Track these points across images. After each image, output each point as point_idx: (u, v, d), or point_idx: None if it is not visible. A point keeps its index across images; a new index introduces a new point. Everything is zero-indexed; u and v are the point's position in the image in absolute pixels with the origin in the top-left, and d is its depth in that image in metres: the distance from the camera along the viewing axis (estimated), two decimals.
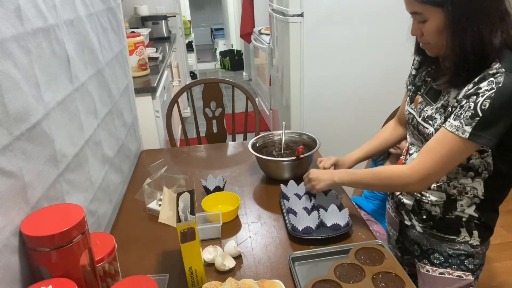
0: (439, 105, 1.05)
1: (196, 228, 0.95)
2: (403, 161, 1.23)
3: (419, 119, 1.10)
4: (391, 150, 1.66)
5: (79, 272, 0.79)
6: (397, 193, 1.24)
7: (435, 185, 1.11)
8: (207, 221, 1.22)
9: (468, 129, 0.93)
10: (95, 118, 1.27)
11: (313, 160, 1.58)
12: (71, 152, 1.04)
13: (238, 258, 1.12)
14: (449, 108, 1.01)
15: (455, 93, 1.01)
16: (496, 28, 0.93)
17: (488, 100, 0.90)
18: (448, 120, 0.98)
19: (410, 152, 1.19)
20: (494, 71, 0.92)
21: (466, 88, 0.97)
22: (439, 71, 1.07)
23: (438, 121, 1.03)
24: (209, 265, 1.09)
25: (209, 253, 1.11)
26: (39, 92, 0.88)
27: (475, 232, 1.10)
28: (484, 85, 0.92)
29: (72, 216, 0.79)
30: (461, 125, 0.94)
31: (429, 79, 1.13)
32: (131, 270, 1.06)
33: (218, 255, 1.08)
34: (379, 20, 2.31)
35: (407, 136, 1.25)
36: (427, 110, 1.09)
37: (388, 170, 1.12)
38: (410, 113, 1.17)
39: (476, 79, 0.95)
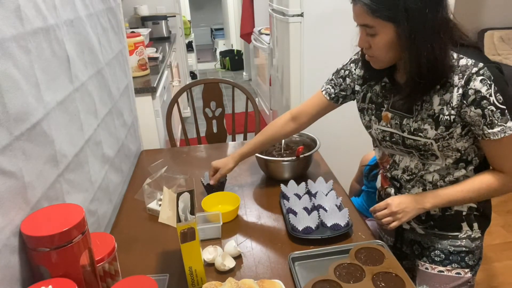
0: (424, 115, 1.04)
1: (196, 228, 0.95)
2: (385, 173, 1.21)
3: (405, 134, 1.08)
4: None
5: (79, 272, 0.79)
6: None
7: (431, 186, 1.11)
8: (207, 221, 1.22)
9: (510, 123, 0.96)
10: (95, 118, 1.27)
11: (313, 160, 1.58)
12: (71, 152, 1.04)
13: (238, 258, 1.12)
14: (445, 117, 1.00)
15: (437, 101, 1.01)
16: (447, 40, 0.95)
17: (498, 94, 0.94)
18: (484, 133, 0.98)
19: (396, 160, 1.17)
20: (476, 69, 0.95)
21: (456, 94, 0.97)
22: (395, 84, 1.09)
23: (430, 131, 1.03)
24: (209, 265, 1.09)
25: (209, 253, 1.11)
26: (39, 92, 0.88)
27: (475, 224, 1.11)
28: (479, 86, 0.94)
29: (72, 216, 0.79)
30: (503, 126, 0.96)
31: (388, 94, 1.12)
32: (131, 270, 1.06)
33: (218, 255, 1.08)
34: None
35: (379, 150, 1.23)
36: (409, 124, 1.06)
37: (477, 181, 1.05)
38: (383, 131, 1.14)
39: (462, 82, 0.96)
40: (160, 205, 1.33)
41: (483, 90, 0.94)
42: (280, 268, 1.08)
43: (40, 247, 0.75)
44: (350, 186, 2.00)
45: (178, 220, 0.96)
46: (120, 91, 1.62)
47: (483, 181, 1.04)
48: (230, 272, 1.07)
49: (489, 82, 0.94)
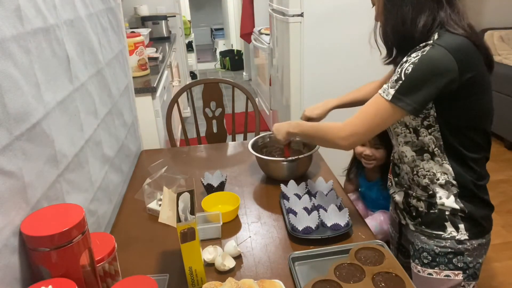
0: None
1: (196, 228, 0.95)
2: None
3: None
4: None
5: (79, 272, 0.79)
6: (391, 191, 1.25)
7: (408, 180, 1.14)
8: (207, 221, 1.22)
9: (392, 91, 0.99)
10: (95, 118, 1.27)
11: (313, 160, 1.58)
12: (71, 152, 1.04)
13: (238, 258, 1.12)
14: None
15: None
16: (422, 12, 1.00)
17: (412, 66, 0.97)
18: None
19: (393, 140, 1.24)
20: (425, 44, 0.99)
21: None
22: None
23: None
24: (209, 265, 1.09)
25: (209, 253, 1.11)
26: (39, 92, 0.88)
27: (461, 226, 1.08)
28: (413, 55, 0.99)
29: (72, 216, 0.79)
30: (387, 88, 1.00)
31: None
32: (131, 270, 1.06)
33: (218, 255, 1.08)
34: None
35: None
36: None
37: (326, 123, 1.16)
38: None
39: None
40: (160, 205, 1.33)
41: (411, 56, 0.98)
42: (280, 268, 1.08)
43: (40, 247, 0.75)
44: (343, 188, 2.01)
45: (178, 220, 0.96)
46: (120, 91, 1.62)
47: (328, 124, 1.14)
48: (230, 272, 1.07)
49: (419, 54, 0.97)
